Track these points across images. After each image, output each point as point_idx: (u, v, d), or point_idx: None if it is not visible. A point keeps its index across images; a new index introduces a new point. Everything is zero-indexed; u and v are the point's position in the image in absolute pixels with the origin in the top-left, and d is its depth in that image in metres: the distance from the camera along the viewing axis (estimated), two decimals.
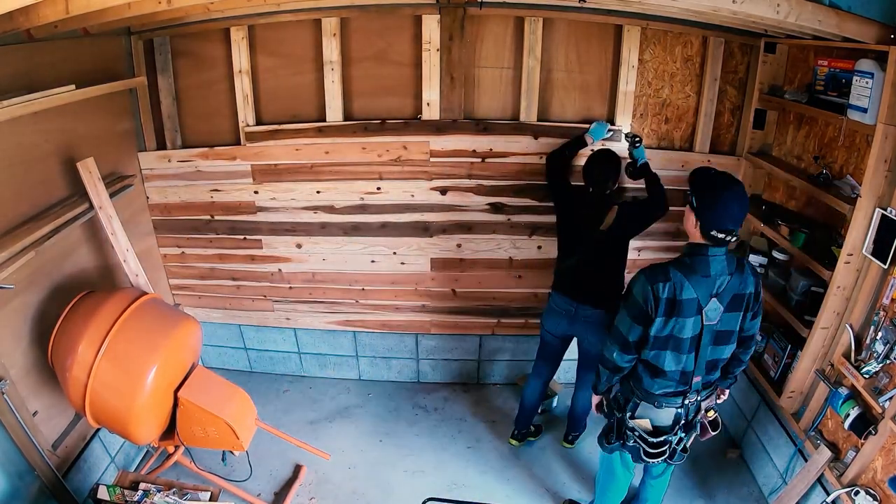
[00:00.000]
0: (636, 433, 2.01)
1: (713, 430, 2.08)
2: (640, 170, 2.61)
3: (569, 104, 2.84)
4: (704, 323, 1.81)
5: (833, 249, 2.25)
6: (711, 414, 2.06)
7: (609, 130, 2.73)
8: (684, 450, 2.09)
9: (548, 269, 3.13)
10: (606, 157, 2.48)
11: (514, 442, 3.03)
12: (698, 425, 2.06)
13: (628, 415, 2.03)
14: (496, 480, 2.85)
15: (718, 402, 2.15)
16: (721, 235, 1.73)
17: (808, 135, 2.54)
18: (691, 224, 1.80)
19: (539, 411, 3.10)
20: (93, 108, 2.47)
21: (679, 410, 1.98)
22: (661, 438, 1.99)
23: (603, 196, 2.48)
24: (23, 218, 2.10)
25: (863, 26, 1.91)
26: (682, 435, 2.04)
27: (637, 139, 2.62)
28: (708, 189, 1.76)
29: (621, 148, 2.68)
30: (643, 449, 2.03)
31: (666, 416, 1.99)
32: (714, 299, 1.80)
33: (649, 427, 2.00)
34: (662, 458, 2.03)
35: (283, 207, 3.04)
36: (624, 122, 2.79)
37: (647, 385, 1.96)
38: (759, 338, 2.07)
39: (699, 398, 1.99)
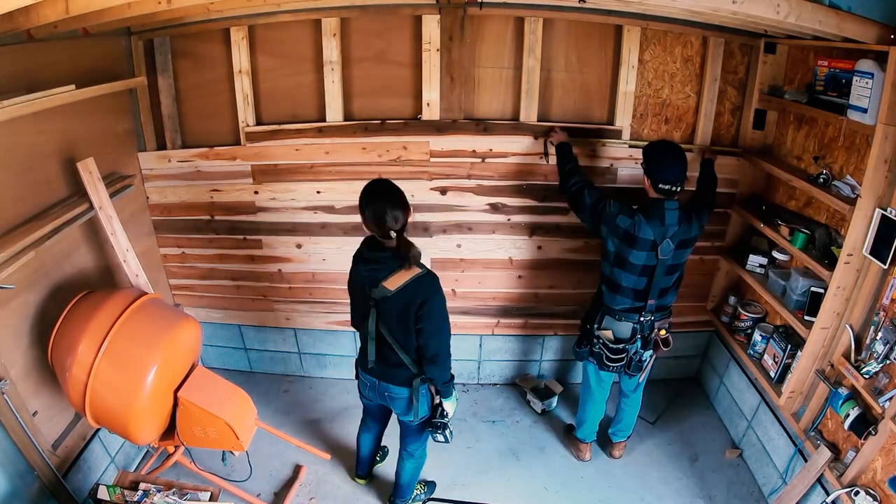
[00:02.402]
0: (601, 341, 2.52)
1: (665, 347, 2.54)
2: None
3: (569, 104, 2.84)
4: (659, 257, 2.31)
5: (833, 249, 2.25)
6: (663, 333, 2.51)
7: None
8: (640, 362, 2.55)
9: (548, 270, 3.15)
10: (386, 190, 1.95)
11: (360, 481, 2.83)
12: (653, 341, 2.50)
13: (595, 326, 2.54)
14: (496, 480, 2.85)
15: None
16: (666, 187, 2.24)
17: (808, 135, 2.54)
18: (647, 184, 2.34)
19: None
20: (93, 108, 2.47)
21: (636, 325, 2.47)
22: (620, 346, 2.49)
23: (383, 244, 1.96)
24: (23, 218, 2.10)
25: (863, 26, 1.91)
26: (640, 349, 2.51)
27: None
28: (653, 152, 2.33)
29: None
30: (605, 355, 2.53)
31: (625, 328, 2.49)
32: (667, 240, 2.28)
33: (611, 337, 2.50)
34: (620, 364, 2.54)
35: (283, 207, 3.04)
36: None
37: (607, 300, 2.48)
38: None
39: (653, 318, 2.46)
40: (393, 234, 1.91)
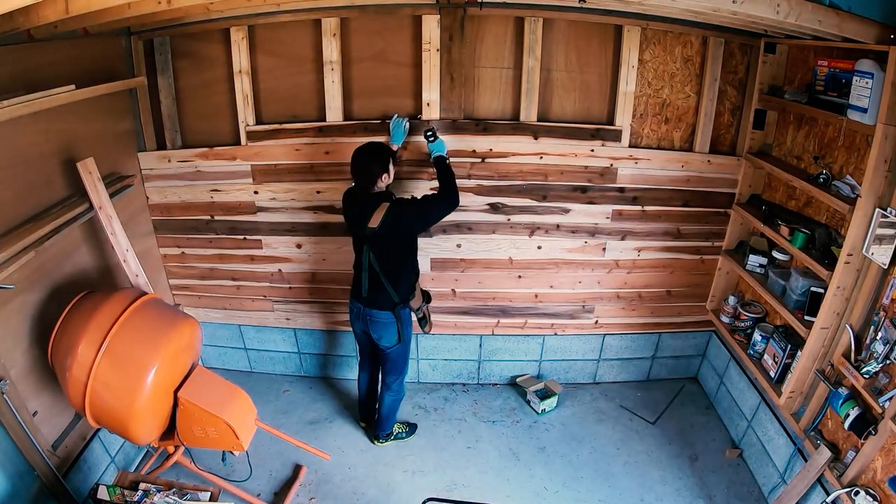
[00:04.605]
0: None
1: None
2: (435, 163, 2.57)
3: (569, 104, 2.84)
4: None
5: (833, 249, 2.25)
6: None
7: (407, 125, 2.67)
8: None
9: (548, 270, 3.15)
10: (365, 151, 2.39)
11: (363, 424, 3.16)
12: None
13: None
14: (496, 480, 2.85)
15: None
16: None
17: (808, 135, 2.54)
18: None
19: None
20: (93, 108, 2.47)
21: None
22: None
23: (368, 193, 2.41)
24: (23, 218, 2.10)
25: (863, 26, 1.92)
26: None
27: (429, 133, 2.60)
28: None
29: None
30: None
31: None
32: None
33: None
34: None
35: (283, 207, 3.04)
36: (433, 112, 2.74)
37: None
38: None
39: None
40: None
